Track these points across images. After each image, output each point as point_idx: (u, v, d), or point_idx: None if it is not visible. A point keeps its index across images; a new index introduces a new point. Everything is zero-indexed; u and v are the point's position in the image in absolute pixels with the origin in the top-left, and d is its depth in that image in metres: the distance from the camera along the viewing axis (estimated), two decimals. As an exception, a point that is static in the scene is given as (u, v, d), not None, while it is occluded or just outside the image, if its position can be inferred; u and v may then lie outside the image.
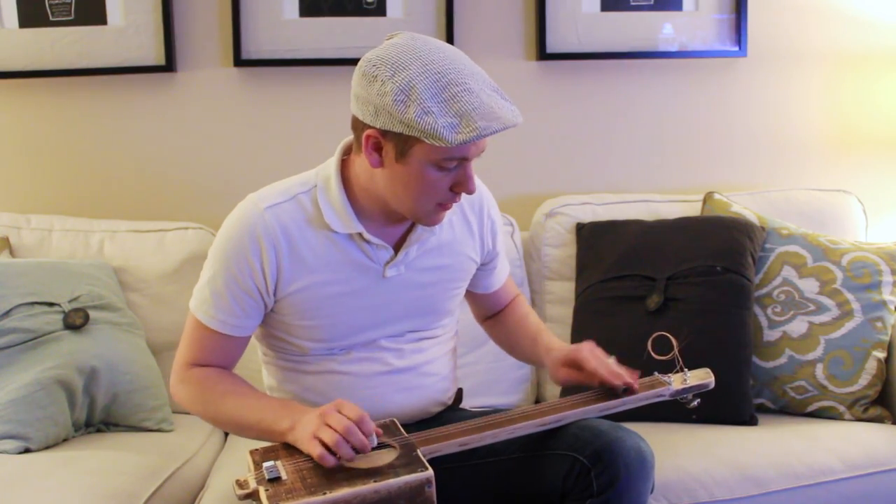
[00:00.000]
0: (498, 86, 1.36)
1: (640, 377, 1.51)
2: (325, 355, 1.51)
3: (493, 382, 2.15)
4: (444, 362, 1.61)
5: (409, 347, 1.55)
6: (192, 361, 1.48)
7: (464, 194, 1.54)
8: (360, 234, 1.45)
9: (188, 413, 1.53)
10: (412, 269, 1.50)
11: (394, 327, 1.53)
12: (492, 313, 1.78)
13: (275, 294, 1.45)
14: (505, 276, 1.73)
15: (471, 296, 1.73)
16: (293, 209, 1.44)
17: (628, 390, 1.47)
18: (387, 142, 1.33)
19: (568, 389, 2.06)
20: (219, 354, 1.48)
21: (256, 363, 1.65)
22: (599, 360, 1.48)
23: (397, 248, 1.49)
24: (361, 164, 1.41)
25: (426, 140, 1.28)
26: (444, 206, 1.41)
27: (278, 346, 1.54)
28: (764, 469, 1.73)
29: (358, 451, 1.27)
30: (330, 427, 1.28)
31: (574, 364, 1.50)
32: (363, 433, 1.28)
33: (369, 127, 1.33)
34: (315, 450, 1.27)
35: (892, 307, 2.02)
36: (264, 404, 1.42)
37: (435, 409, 1.61)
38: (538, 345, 1.64)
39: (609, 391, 1.48)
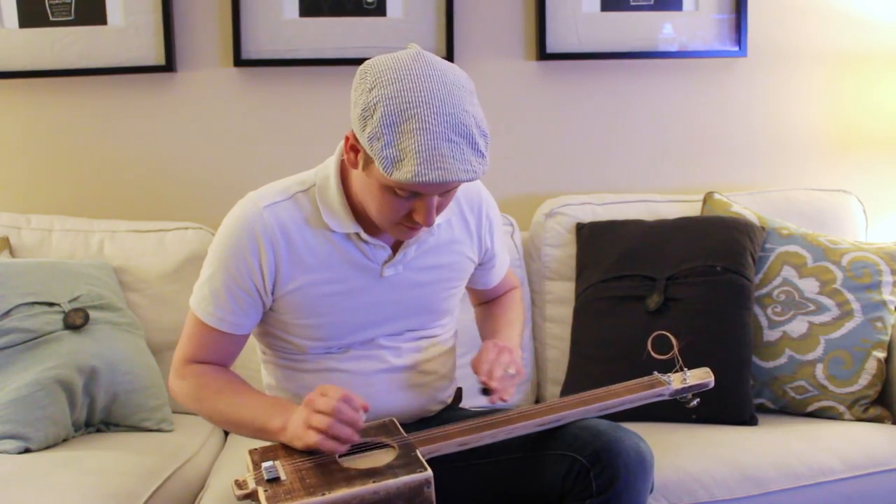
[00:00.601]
0: (482, 135, 1.29)
1: (640, 377, 1.51)
2: (323, 354, 1.51)
3: (493, 382, 2.15)
4: (443, 361, 1.62)
5: (407, 346, 1.55)
6: (190, 358, 1.49)
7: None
8: (357, 234, 1.45)
9: (187, 410, 1.54)
10: (410, 268, 1.51)
11: (392, 326, 1.53)
12: (486, 301, 1.79)
13: (273, 293, 1.45)
14: (503, 273, 1.74)
15: (469, 288, 1.74)
16: (291, 208, 1.45)
17: (487, 393, 1.45)
18: (360, 147, 1.33)
19: (567, 389, 2.07)
20: (217, 352, 1.49)
21: (256, 363, 1.65)
22: (486, 356, 1.47)
23: (396, 247, 1.49)
24: None
25: (374, 162, 1.27)
26: (407, 226, 1.38)
27: (277, 345, 1.55)
28: (764, 469, 1.73)
29: (351, 426, 1.29)
30: (319, 412, 1.30)
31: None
32: (351, 408, 1.30)
33: (351, 129, 1.34)
34: (311, 438, 1.29)
35: (892, 307, 2.02)
36: (258, 402, 1.43)
37: (434, 408, 1.61)
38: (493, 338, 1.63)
39: (607, 388, 1.48)
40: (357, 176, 1.39)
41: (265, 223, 1.42)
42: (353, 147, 1.35)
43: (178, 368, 1.50)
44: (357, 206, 1.45)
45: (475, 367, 1.47)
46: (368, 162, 1.31)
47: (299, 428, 1.32)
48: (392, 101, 1.25)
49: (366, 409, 1.33)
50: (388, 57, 1.31)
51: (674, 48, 2.43)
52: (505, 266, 1.74)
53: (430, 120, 1.25)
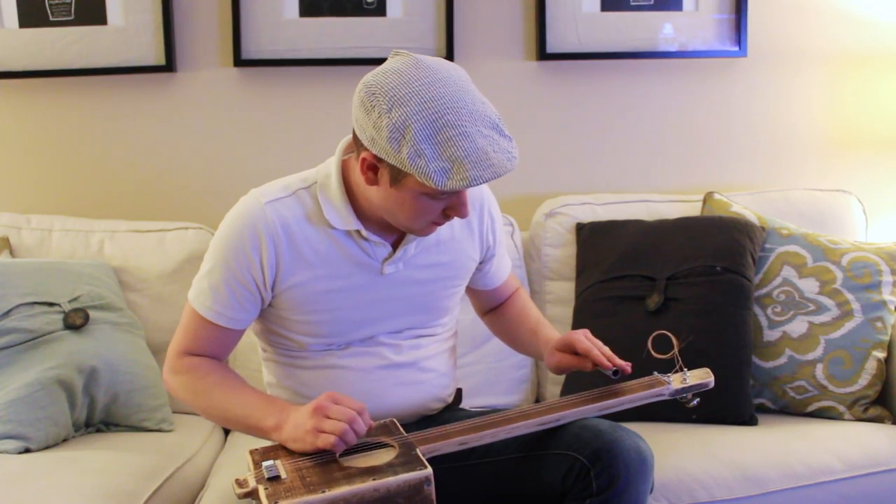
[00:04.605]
0: (499, 118, 1.33)
1: (640, 377, 1.51)
2: (323, 350, 1.52)
3: (493, 382, 2.15)
4: (443, 359, 1.62)
5: (406, 344, 1.55)
6: (185, 350, 1.49)
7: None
8: (358, 232, 1.45)
9: (186, 407, 1.54)
10: (411, 266, 1.51)
11: (392, 324, 1.53)
12: (492, 307, 1.78)
13: (273, 289, 1.46)
14: (506, 272, 1.74)
15: (471, 291, 1.74)
16: (293, 204, 1.45)
17: (619, 373, 1.47)
18: (382, 167, 1.34)
19: (568, 389, 2.07)
20: (212, 345, 1.49)
21: (256, 362, 1.66)
22: (592, 342, 1.49)
23: (396, 244, 1.49)
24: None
25: (418, 178, 1.28)
26: (437, 223, 1.42)
27: (277, 342, 1.55)
28: (764, 469, 1.73)
29: (359, 436, 1.31)
30: (332, 418, 1.30)
31: (568, 347, 1.52)
32: (364, 422, 1.32)
33: (366, 149, 1.34)
34: (325, 441, 1.29)
35: (892, 307, 2.02)
36: (252, 399, 1.43)
37: (434, 406, 1.61)
38: (538, 337, 1.65)
39: (607, 388, 1.48)
40: (379, 192, 1.38)
41: (267, 219, 1.43)
42: (372, 167, 1.35)
43: (173, 361, 1.50)
44: (360, 204, 1.45)
45: (590, 359, 1.48)
46: (402, 176, 1.32)
47: (302, 432, 1.31)
48: (420, 115, 1.26)
49: (371, 429, 1.34)
50: (389, 73, 1.31)
51: (674, 48, 2.43)
52: (507, 266, 1.74)
53: (462, 122, 1.27)
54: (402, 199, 1.36)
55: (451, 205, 1.38)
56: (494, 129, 1.31)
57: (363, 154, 1.35)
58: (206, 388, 1.46)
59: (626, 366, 1.47)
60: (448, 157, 1.26)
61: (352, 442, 1.30)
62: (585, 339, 1.49)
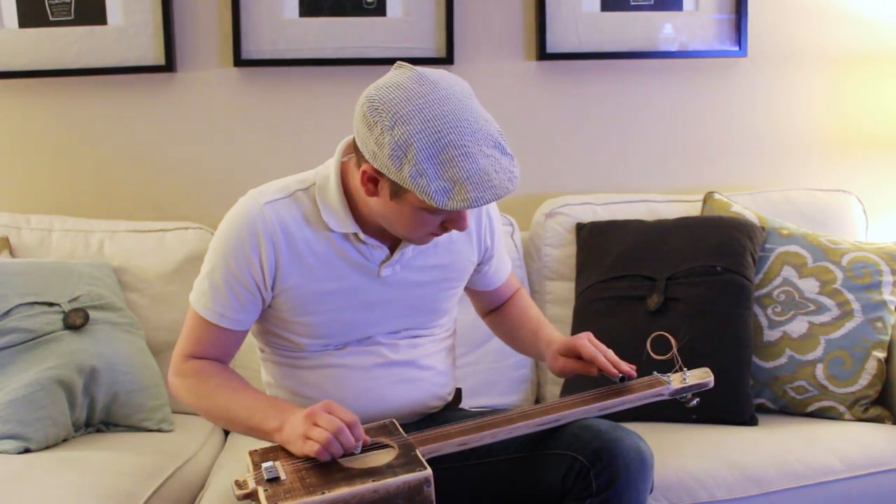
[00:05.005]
0: (501, 134, 1.33)
1: (640, 377, 1.51)
2: (321, 350, 1.52)
3: (493, 382, 2.15)
4: (441, 358, 1.62)
5: (403, 343, 1.56)
6: (189, 353, 1.49)
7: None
8: (355, 234, 1.45)
9: (186, 408, 1.54)
10: (408, 268, 1.51)
11: (389, 325, 1.53)
12: (493, 308, 1.78)
13: (273, 288, 1.46)
14: (506, 273, 1.74)
15: (472, 292, 1.74)
16: (291, 206, 1.45)
17: (626, 379, 1.47)
18: (383, 180, 1.34)
19: (567, 389, 2.07)
20: (216, 347, 1.49)
21: (256, 362, 1.66)
22: (597, 348, 1.49)
23: (393, 247, 1.49)
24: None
25: (419, 196, 1.28)
26: (435, 234, 1.42)
27: (276, 343, 1.55)
28: (764, 469, 1.73)
29: (346, 449, 1.29)
30: (319, 426, 1.29)
31: (572, 352, 1.52)
32: (353, 435, 1.30)
33: (367, 162, 1.33)
34: (310, 448, 1.28)
35: (892, 307, 2.02)
36: (255, 401, 1.43)
37: (434, 404, 1.61)
38: (539, 338, 1.65)
39: (607, 388, 1.48)
40: (378, 202, 1.38)
41: (266, 219, 1.43)
42: (373, 179, 1.35)
43: (178, 364, 1.50)
44: (358, 207, 1.45)
45: (595, 365, 1.47)
46: (402, 191, 1.32)
47: (296, 437, 1.32)
48: (422, 134, 1.26)
49: (365, 444, 1.33)
50: (392, 88, 1.30)
51: (674, 48, 2.43)
52: (507, 266, 1.74)
53: (464, 142, 1.27)
54: (401, 212, 1.36)
55: (450, 218, 1.38)
56: (496, 147, 1.31)
57: (364, 167, 1.35)
58: (209, 390, 1.46)
59: (632, 370, 1.47)
60: (449, 178, 1.26)
61: (336, 453, 1.29)
62: (590, 345, 1.49)
